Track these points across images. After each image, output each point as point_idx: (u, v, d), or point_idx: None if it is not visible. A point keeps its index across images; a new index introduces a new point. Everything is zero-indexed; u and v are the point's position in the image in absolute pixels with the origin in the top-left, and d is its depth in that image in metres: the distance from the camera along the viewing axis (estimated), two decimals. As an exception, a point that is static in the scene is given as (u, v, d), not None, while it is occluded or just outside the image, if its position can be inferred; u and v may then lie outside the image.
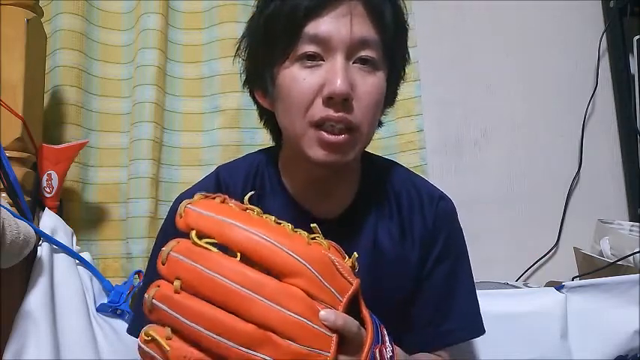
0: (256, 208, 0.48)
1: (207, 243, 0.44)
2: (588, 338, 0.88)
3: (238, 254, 0.43)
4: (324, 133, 0.56)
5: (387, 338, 0.52)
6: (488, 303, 0.79)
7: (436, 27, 1.29)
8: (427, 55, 1.25)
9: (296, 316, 0.42)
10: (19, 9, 0.92)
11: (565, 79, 1.30)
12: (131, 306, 0.92)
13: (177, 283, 0.42)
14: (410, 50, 1.26)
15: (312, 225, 0.50)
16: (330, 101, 0.56)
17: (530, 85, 1.29)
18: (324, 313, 0.44)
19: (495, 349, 0.85)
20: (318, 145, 0.57)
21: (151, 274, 0.70)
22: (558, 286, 0.91)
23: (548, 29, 1.31)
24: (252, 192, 0.51)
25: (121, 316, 0.93)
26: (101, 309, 0.91)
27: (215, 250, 0.43)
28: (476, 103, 1.28)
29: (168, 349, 0.42)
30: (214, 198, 0.48)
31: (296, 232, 0.48)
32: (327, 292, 0.46)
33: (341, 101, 0.56)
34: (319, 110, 0.56)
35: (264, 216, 0.48)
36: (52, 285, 0.85)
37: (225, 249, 0.44)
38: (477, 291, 0.72)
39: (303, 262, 0.44)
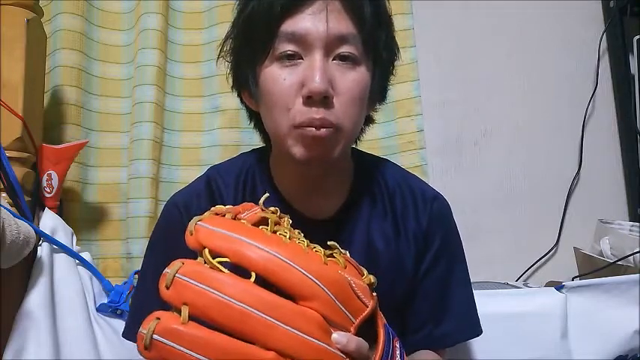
0: (273, 216, 0.47)
1: (219, 262, 0.41)
2: (588, 338, 0.88)
3: (253, 275, 0.41)
4: (306, 128, 0.56)
5: (397, 352, 0.51)
6: (488, 303, 0.79)
7: (436, 27, 1.29)
8: (427, 55, 1.25)
9: (315, 340, 0.41)
10: (19, 9, 0.92)
11: (565, 79, 1.29)
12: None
13: (185, 311, 0.38)
14: (410, 50, 1.27)
15: (329, 243, 0.49)
16: (309, 100, 0.55)
17: (530, 85, 1.29)
18: (336, 336, 0.43)
19: (495, 349, 0.85)
20: (301, 142, 0.57)
21: (145, 275, 0.70)
22: (558, 286, 0.91)
23: (548, 29, 1.31)
24: (267, 195, 0.50)
25: (121, 316, 0.93)
26: (101, 309, 0.91)
27: (227, 271, 0.40)
28: (476, 103, 1.28)
29: None
30: (224, 215, 0.46)
31: (312, 248, 0.46)
32: (341, 314, 0.44)
33: (320, 99, 0.55)
34: (300, 112, 0.56)
35: (277, 234, 0.45)
36: (52, 285, 0.85)
37: (235, 270, 0.41)
38: (477, 291, 0.72)
39: (320, 284, 0.43)
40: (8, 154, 0.87)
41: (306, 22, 0.56)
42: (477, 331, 0.70)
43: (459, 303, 0.69)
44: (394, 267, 0.67)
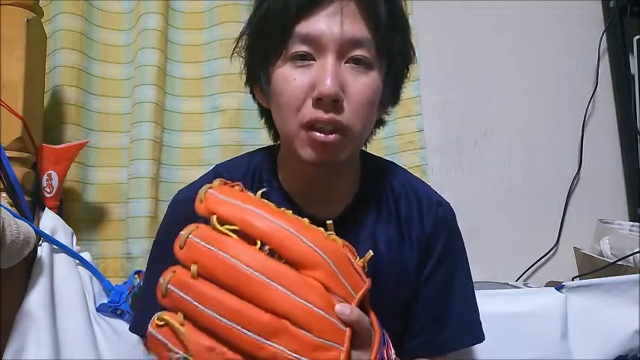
0: (271, 203, 0.48)
1: (227, 229, 0.43)
2: (588, 338, 0.88)
3: (258, 242, 0.43)
4: (315, 133, 0.56)
5: (390, 342, 0.52)
6: (489, 303, 0.79)
7: (436, 27, 1.29)
8: (427, 55, 1.25)
9: (314, 307, 0.42)
10: (19, 9, 0.92)
11: (565, 79, 1.30)
12: (131, 306, 0.93)
13: (194, 268, 0.42)
14: (410, 50, 1.25)
15: (327, 222, 0.50)
16: (319, 102, 0.55)
17: (530, 85, 1.29)
18: (339, 306, 0.44)
19: (495, 349, 0.85)
20: (309, 145, 0.57)
21: (151, 272, 0.70)
22: (558, 286, 0.91)
23: (548, 29, 1.31)
24: (264, 189, 0.50)
25: (121, 316, 0.93)
26: (101, 309, 0.91)
27: (235, 236, 0.43)
28: (476, 103, 1.28)
29: (184, 331, 0.41)
30: (233, 186, 0.48)
31: (313, 226, 0.47)
32: (343, 286, 0.45)
33: (330, 102, 0.55)
34: (309, 112, 0.56)
35: (282, 209, 0.47)
36: (52, 285, 0.84)
37: (243, 237, 0.44)
38: (477, 291, 0.72)
39: (323, 254, 0.44)
40: (8, 154, 0.87)
41: (321, 24, 0.56)
42: (479, 337, 0.70)
43: (461, 308, 0.69)
44: (397, 270, 0.66)
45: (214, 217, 0.44)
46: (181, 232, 0.44)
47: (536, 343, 0.88)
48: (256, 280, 0.41)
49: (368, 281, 0.49)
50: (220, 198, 0.45)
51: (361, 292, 0.47)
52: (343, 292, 0.45)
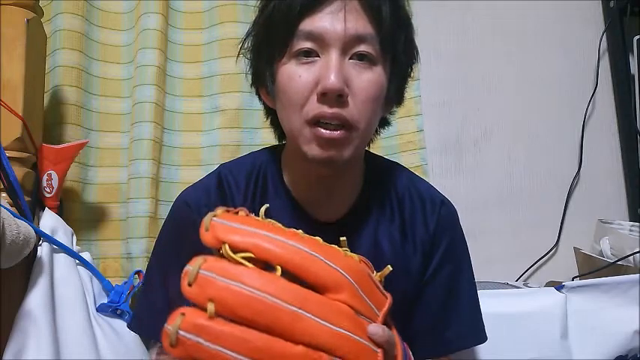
0: (277, 223, 0.45)
1: (242, 258, 0.39)
2: (588, 338, 0.88)
3: (279, 268, 0.39)
4: (320, 129, 0.56)
5: (410, 354, 0.51)
6: (489, 303, 0.79)
7: (436, 27, 1.29)
8: (427, 55, 1.25)
9: (347, 332, 0.40)
10: (19, 9, 0.92)
11: (565, 79, 1.30)
12: (131, 306, 0.93)
13: (211, 306, 0.37)
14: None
15: (341, 239, 0.49)
16: (324, 97, 0.56)
17: (530, 85, 1.29)
18: (372, 327, 0.42)
19: (495, 349, 0.85)
20: (314, 141, 0.57)
21: (152, 273, 0.70)
22: (558, 286, 0.91)
23: (548, 29, 1.31)
24: (267, 205, 0.48)
25: (121, 316, 0.93)
26: (101, 309, 0.92)
27: (251, 265, 0.39)
28: (476, 103, 1.28)
29: None
30: (237, 212, 0.44)
31: (328, 245, 0.45)
32: (367, 305, 0.43)
33: (335, 97, 0.55)
34: (313, 107, 0.56)
35: (293, 230, 0.44)
36: (52, 285, 0.85)
37: (257, 264, 0.40)
38: (477, 292, 0.72)
39: (346, 274, 0.42)
40: (8, 154, 0.87)
41: (324, 22, 0.57)
42: (481, 337, 0.70)
43: (464, 308, 0.69)
44: (400, 270, 0.66)
45: (227, 246, 0.39)
46: (188, 266, 0.39)
47: (536, 343, 0.88)
48: (286, 311, 0.37)
49: (389, 296, 0.48)
50: (229, 225, 0.41)
51: (385, 309, 0.45)
52: (368, 311, 0.43)
